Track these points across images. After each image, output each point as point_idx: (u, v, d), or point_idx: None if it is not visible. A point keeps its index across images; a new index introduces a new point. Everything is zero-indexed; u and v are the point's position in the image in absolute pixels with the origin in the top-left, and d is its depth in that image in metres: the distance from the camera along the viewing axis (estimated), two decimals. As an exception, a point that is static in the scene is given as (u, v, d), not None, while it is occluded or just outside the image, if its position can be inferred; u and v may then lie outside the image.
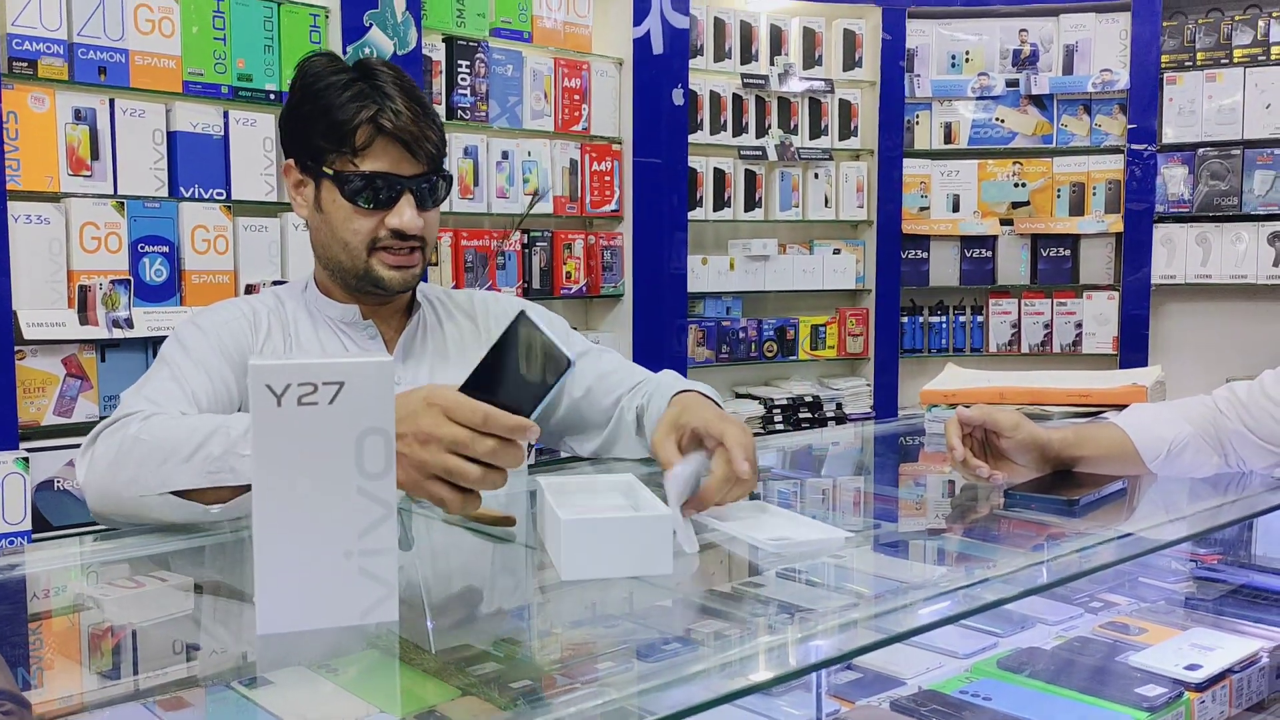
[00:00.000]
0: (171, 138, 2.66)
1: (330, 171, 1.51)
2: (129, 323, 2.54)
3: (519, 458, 1.06)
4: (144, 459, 1.22)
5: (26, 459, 2.39)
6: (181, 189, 2.67)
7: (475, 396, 1.05)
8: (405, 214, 1.50)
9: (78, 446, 2.43)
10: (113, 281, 2.53)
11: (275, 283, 2.75)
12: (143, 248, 2.60)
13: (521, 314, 1.04)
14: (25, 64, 2.45)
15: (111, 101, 2.56)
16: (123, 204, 2.56)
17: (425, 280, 1.66)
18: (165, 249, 2.63)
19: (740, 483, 1.22)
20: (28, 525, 2.40)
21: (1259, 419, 1.49)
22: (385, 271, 1.54)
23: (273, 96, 2.80)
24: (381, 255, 1.53)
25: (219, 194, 2.72)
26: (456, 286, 3.22)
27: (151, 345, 2.61)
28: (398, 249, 1.53)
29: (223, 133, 2.72)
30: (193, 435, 1.20)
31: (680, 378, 1.62)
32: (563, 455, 1.78)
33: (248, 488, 1.02)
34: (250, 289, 2.73)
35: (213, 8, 2.69)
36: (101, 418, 2.51)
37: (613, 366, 1.68)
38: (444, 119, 3.15)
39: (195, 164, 2.69)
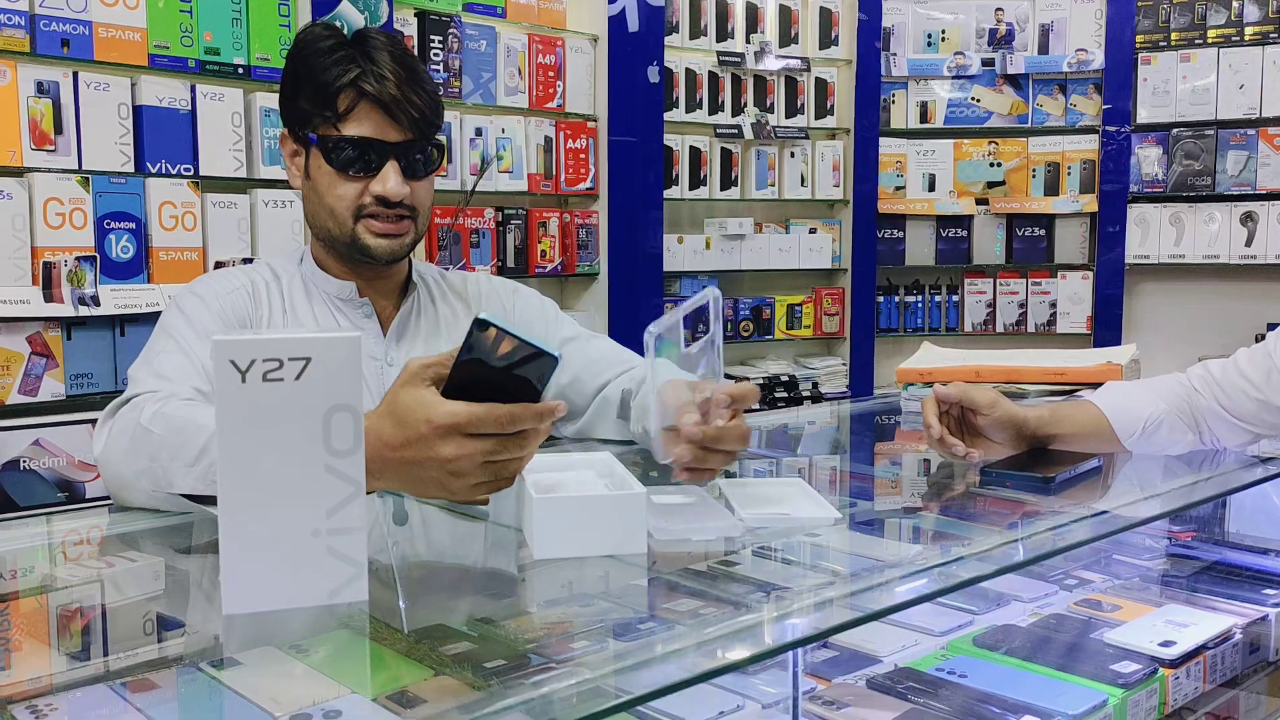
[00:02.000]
0: (138, 112, 2.61)
1: (315, 137, 1.50)
2: (95, 300, 2.50)
3: (547, 433, 1.04)
4: (154, 453, 1.20)
5: (-9, 439, 2.35)
6: (148, 164, 2.62)
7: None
8: (390, 180, 1.48)
9: (43, 426, 2.41)
10: (78, 258, 2.48)
11: (245, 260, 2.71)
12: (109, 224, 2.55)
13: (478, 320, 0.97)
14: (-14, 35, 2.39)
15: (75, 74, 2.51)
16: (88, 179, 2.51)
17: (413, 248, 1.63)
18: (132, 225, 2.58)
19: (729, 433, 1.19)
20: (-7, 506, 2.37)
21: (1233, 397, 1.50)
22: (372, 239, 1.51)
23: (241, 70, 2.75)
24: (369, 223, 1.51)
25: (186, 169, 2.68)
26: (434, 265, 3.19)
27: (119, 323, 2.57)
28: (384, 216, 1.51)
29: (190, 107, 2.67)
30: (198, 435, 1.18)
31: (672, 364, 1.61)
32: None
33: None
34: (219, 265, 2.69)
35: (180, -21, 2.64)
36: (69, 396, 2.50)
37: (601, 353, 1.67)
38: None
39: (162, 139, 2.64)
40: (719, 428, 1.18)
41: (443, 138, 1.59)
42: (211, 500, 1.17)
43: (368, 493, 1.10)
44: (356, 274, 1.58)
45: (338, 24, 2.74)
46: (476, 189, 3.33)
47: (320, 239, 1.57)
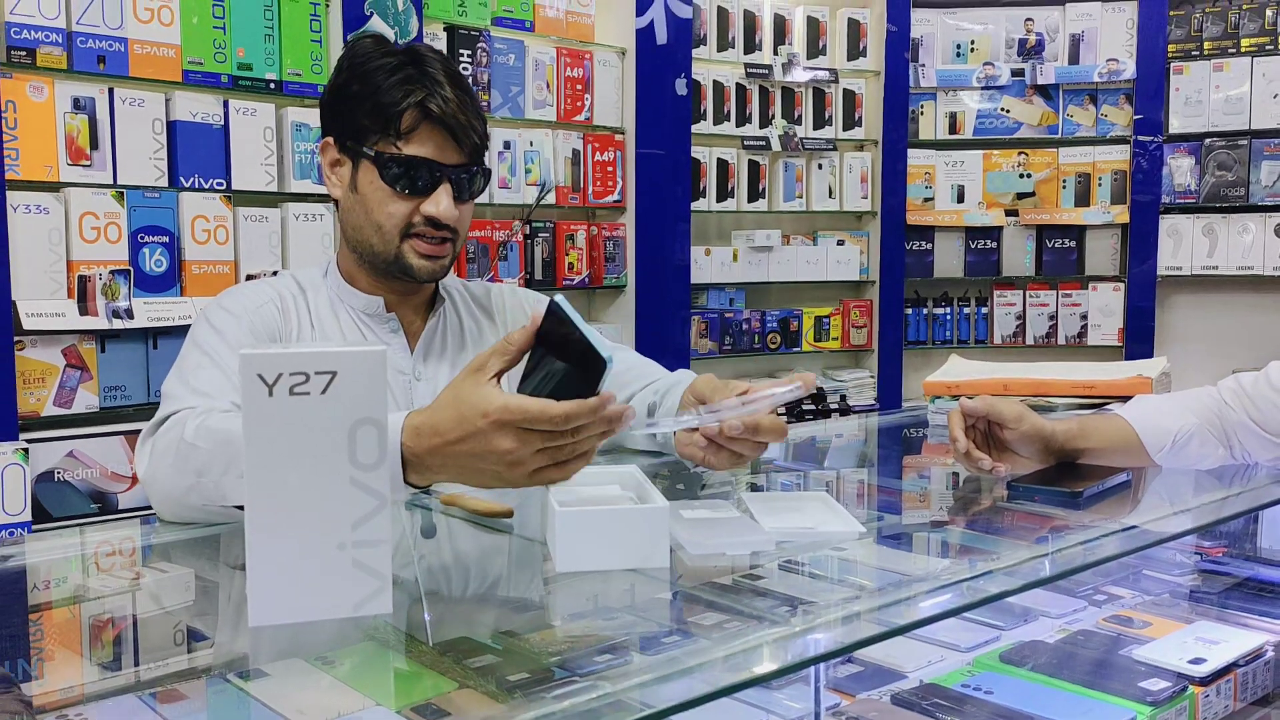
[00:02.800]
0: (171, 127, 2.65)
1: (371, 153, 1.49)
2: (129, 313, 2.53)
3: (614, 428, 1.05)
4: (202, 468, 1.22)
5: (26, 450, 2.39)
6: (181, 179, 2.66)
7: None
8: (442, 202, 1.49)
9: (77, 438, 2.44)
10: (112, 272, 2.52)
11: (274, 273, 2.74)
12: (142, 238, 2.59)
13: (555, 305, 1.01)
14: (24, 53, 2.44)
15: (111, 91, 2.55)
16: (122, 194, 2.55)
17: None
18: (165, 239, 2.62)
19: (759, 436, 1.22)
20: (28, 516, 2.40)
21: (1264, 411, 1.48)
22: (415, 260, 1.52)
23: (273, 86, 2.78)
24: (414, 243, 1.52)
25: (219, 184, 2.71)
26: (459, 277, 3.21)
27: (152, 336, 2.61)
28: (430, 238, 1.51)
29: (223, 122, 2.71)
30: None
31: (697, 376, 1.62)
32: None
33: None
34: (250, 278, 2.72)
35: (213, -4, 2.68)
36: (102, 409, 2.53)
37: (627, 365, 1.67)
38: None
39: (195, 154, 2.67)
40: (758, 417, 1.20)
41: (488, 164, 1.60)
42: None
43: (426, 486, 1.13)
44: (385, 289, 1.59)
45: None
46: (536, 208, 3.37)
47: (357, 252, 1.57)
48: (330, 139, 1.56)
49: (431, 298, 1.65)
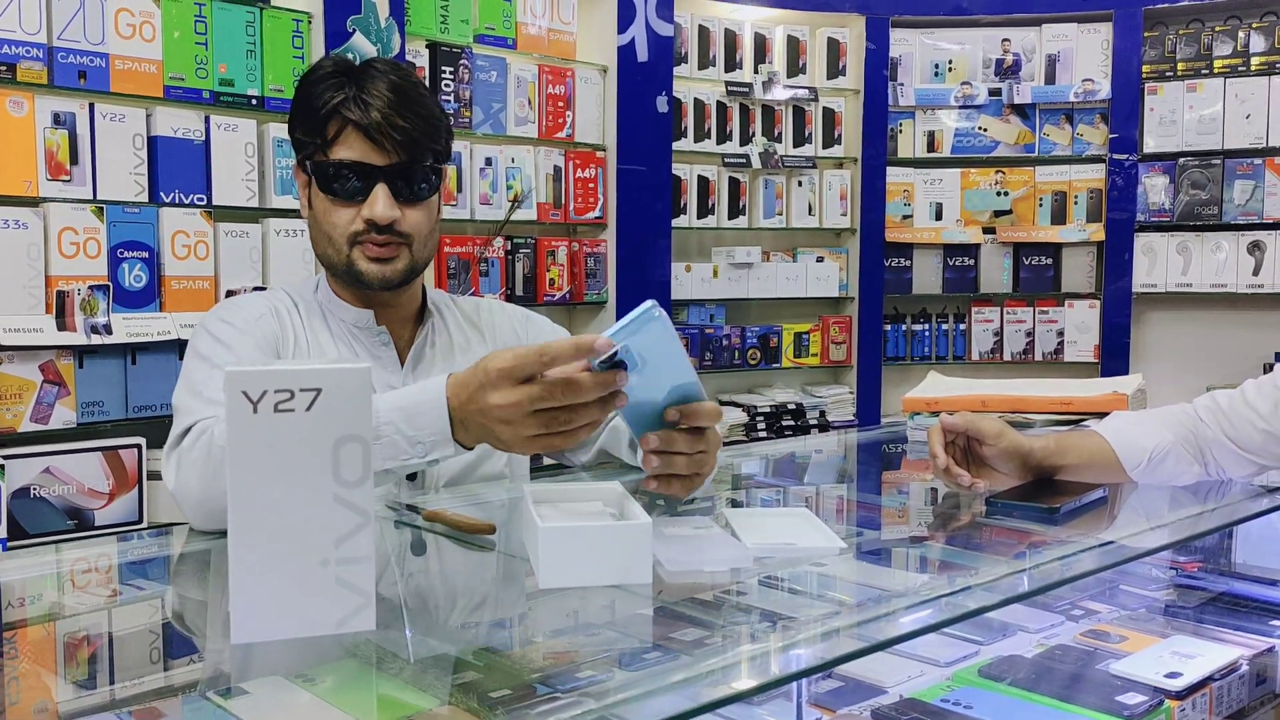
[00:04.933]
0: (152, 142, 2.64)
1: (309, 164, 1.53)
2: (108, 329, 2.52)
3: (599, 381, 1.08)
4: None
5: (2, 466, 2.37)
6: (162, 194, 2.65)
7: None
8: (378, 203, 1.49)
9: (54, 454, 2.43)
10: (91, 287, 2.51)
11: (256, 288, 2.73)
12: (122, 253, 2.58)
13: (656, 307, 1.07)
14: (4, 67, 2.43)
15: (91, 106, 2.54)
16: (102, 209, 2.54)
17: (414, 277, 1.62)
18: (145, 254, 2.61)
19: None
20: (3, 533, 2.38)
21: (1239, 428, 1.50)
22: (364, 264, 1.52)
23: (254, 102, 2.78)
24: (363, 248, 1.52)
25: (199, 199, 2.71)
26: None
27: (130, 352, 2.59)
28: (376, 242, 1.51)
29: (204, 138, 2.70)
30: None
31: None
32: (546, 462, 1.77)
33: None
34: (230, 294, 2.71)
35: (194, 12, 2.67)
36: (80, 424, 2.52)
37: None
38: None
39: (176, 169, 2.67)
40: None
41: (444, 165, 1.59)
42: None
43: (471, 447, 1.19)
44: (370, 302, 1.60)
45: (349, 55, 2.78)
46: (509, 220, 3.37)
47: (324, 265, 1.59)
48: (296, 160, 1.59)
49: (420, 312, 1.66)
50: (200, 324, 1.55)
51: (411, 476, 1.54)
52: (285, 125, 2.81)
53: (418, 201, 1.53)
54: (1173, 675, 1.34)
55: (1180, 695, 1.30)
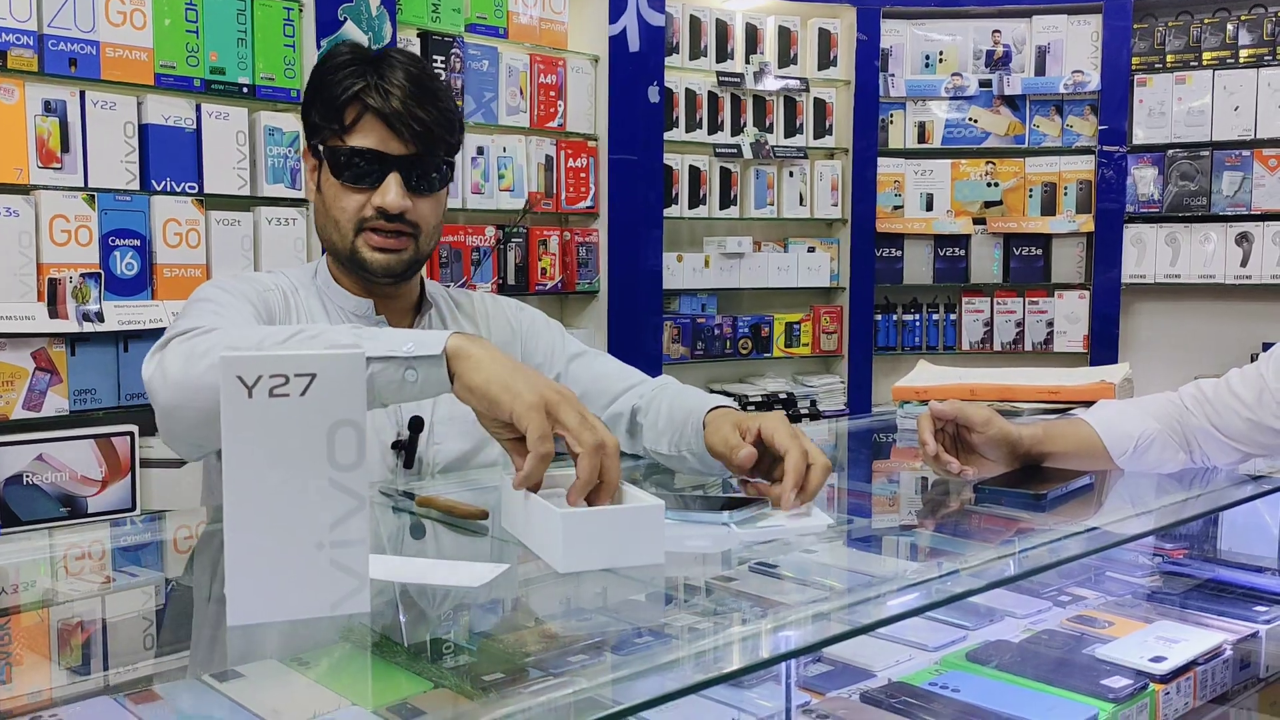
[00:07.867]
0: (143, 130, 2.63)
1: (323, 148, 1.53)
2: (99, 316, 2.52)
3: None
4: (213, 345, 1.21)
5: (-6, 454, 2.37)
6: (153, 182, 2.65)
7: None
8: (390, 193, 1.49)
9: (46, 441, 2.43)
10: (83, 275, 2.50)
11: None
12: (114, 241, 2.57)
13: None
14: (-6, 55, 2.42)
15: (82, 93, 2.54)
16: (93, 197, 2.54)
17: (417, 269, 1.63)
18: (136, 242, 2.61)
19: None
20: (-4, 520, 2.38)
21: (1224, 416, 1.51)
22: (369, 253, 1.53)
23: (245, 90, 2.78)
24: (368, 236, 1.52)
25: (191, 187, 2.71)
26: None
27: (122, 339, 2.59)
28: (384, 231, 1.52)
29: (195, 126, 2.70)
30: (279, 332, 1.21)
31: (684, 385, 1.63)
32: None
33: None
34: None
35: (185, 0, 2.67)
36: (72, 412, 2.52)
37: (608, 370, 1.69)
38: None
39: (167, 157, 2.66)
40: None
41: (453, 158, 1.60)
42: None
43: (466, 375, 1.17)
44: (370, 291, 1.60)
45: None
46: (517, 225, 3.41)
47: (328, 250, 1.60)
48: (307, 143, 1.59)
49: (418, 302, 1.66)
50: (204, 285, 1.55)
51: (409, 464, 1.55)
52: (277, 114, 2.83)
53: (429, 193, 1.54)
54: (1157, 659, 1.35)
55: (1165, 679, 1.32)
